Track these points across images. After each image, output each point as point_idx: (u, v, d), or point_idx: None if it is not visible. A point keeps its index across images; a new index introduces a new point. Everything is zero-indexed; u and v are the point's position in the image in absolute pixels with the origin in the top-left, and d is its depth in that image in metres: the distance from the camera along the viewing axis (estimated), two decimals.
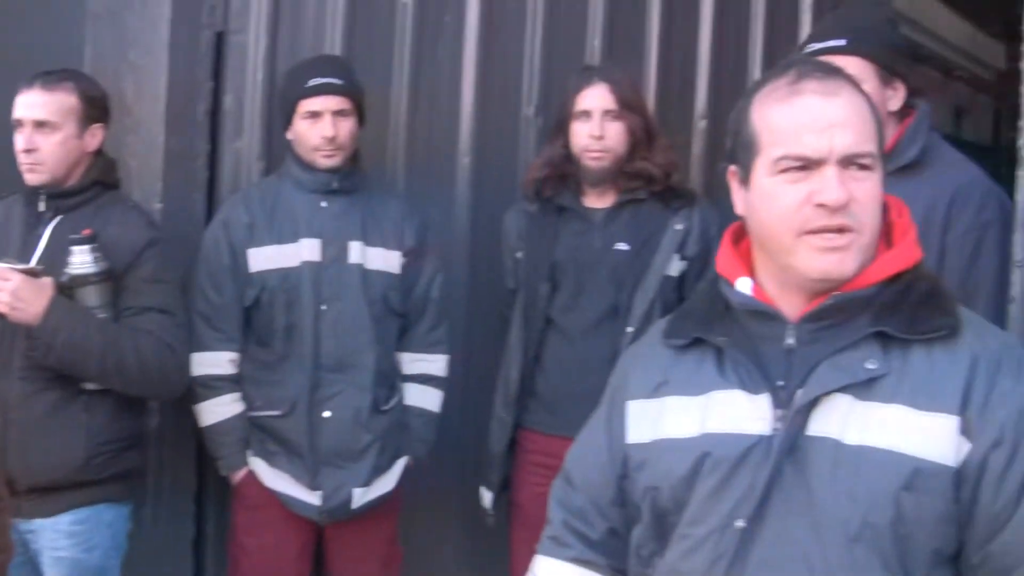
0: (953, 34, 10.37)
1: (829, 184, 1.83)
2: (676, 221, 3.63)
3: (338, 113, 3.64)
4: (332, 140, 3.63)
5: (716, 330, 1.99)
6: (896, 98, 3.06)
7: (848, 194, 1.84)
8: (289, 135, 3.73)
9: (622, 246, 3.62)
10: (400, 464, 3.79)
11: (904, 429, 1.82)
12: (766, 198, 1.90)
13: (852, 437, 1.84)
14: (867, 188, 1.87)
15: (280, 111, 3.80)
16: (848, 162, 1.86)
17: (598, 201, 3.68)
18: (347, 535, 3.78)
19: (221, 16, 4.03)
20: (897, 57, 3.10)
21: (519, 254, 3.77)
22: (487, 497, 3.82)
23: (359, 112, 3.73)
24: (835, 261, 1.86)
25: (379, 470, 3.71)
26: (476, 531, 4.08)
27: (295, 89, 3.68)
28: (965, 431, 1.82)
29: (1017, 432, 1.81)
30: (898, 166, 2.92)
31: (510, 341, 3.75)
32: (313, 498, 3.64)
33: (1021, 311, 2.68)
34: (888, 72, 3.04)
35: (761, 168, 1.91)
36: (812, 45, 3.09)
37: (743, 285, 1.98)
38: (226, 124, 4.06)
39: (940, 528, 1.83)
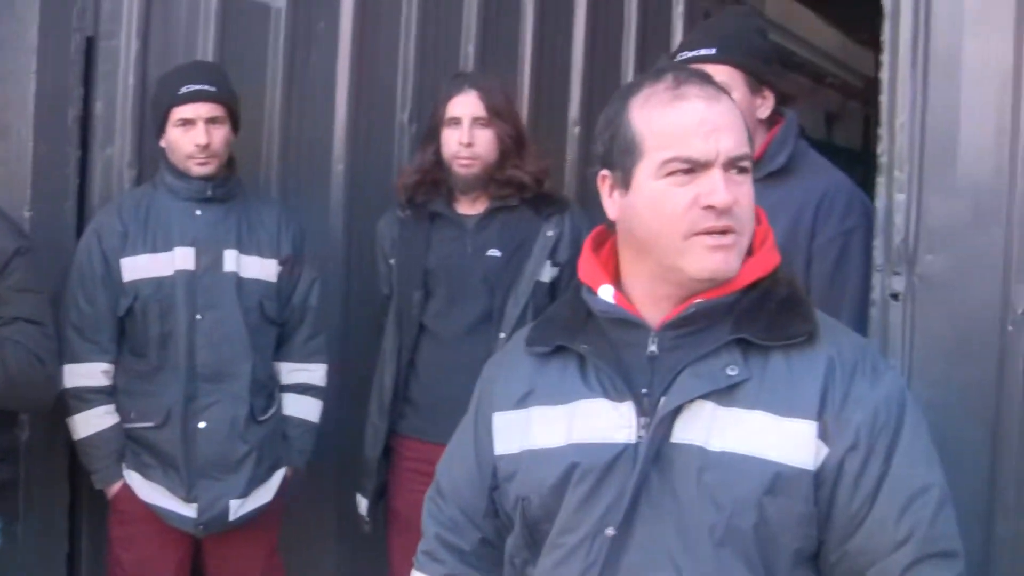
0: (824, 42, 10.58)
1: (717, 186, 1.86)
2: (548, 227, 3.66)
3: (211, 120, 3.61)
4: (205, 148, 3.60)
5: (579, 338, 2.00)
6: (765, 106, 3.12)
7: (733, 196, 1.87)
8: (162, 143, 3.69)
9: (494, 252, 3.65)
10: (278, 475, 3.76)
11: (765, 435, 1.86)
12: (653, 201, 1.91)
13: (716, 443, 1.87)
14: (746, 191, 1.91)
15: (152, 118, 3.75)
16: (731, 165, 1.89)
17: (470, 208, 3.71)
18: (226, 547, 3.73)
19: (91, 20, 3.94)
20: (766, 66, 3.16)
21: (392, 260, 3.78)
22: (363, 504, 3.81)
23: (233, 119, 3.70)
24: (721, 261, 1.89)
25: (256, 481, 3.67)
26: (356, 539, 4.06)
27: (167, 96, 3.64)
28: (823, 435, 1.86)
29: (871, 436, 1.86)
30: (766, 173, 2.97)
31: (384, 347, 3.75)
32: (189, 510, 3.59)
33: (881, 314, 2.75)
34: (757, 80, 3.10)
35: (645, 172, 1.91)
36: (683, 53, 3.13)
37: (605, 293, 1.99)
38: (97, 131, 3.98)
39: (801, 529, 1.87)
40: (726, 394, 1.88)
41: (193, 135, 3.59)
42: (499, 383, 2.11)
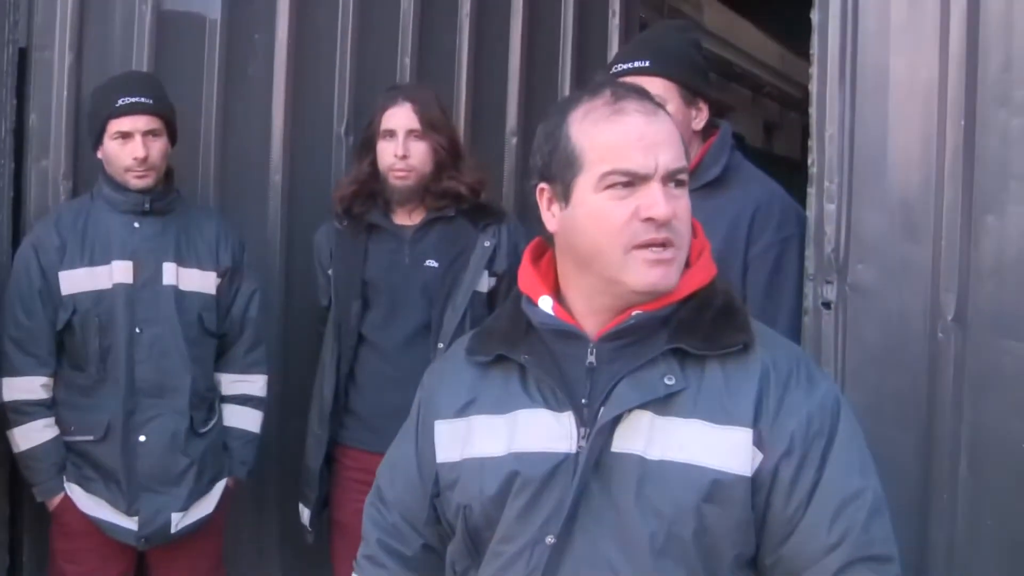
0: (763, 53, 10.67)
1: (657, 199, 1.87)
2: (485, 238, 3.68)
3: (149, 133, 3.59)
4: (143, 161, 3.57)
5: (519, 348, 2.01)
6: (700, 118, 3.15)
7: (672, 209, 1.89)
8: (99, 154, 3.66)
9: (431, 263, 3.66)
10: (220, 486, 3.74)
11: (703, 443, 1.88)
12: (593, 214, 1.92)
13: (655, 453, 1.88)
14: (684, 204, 1.93)
15: (89, 130, 3.71)
16: (669, 178, 1.90)
17: (407, 219, 3.72)
18: (170, 560, 3.72)
19: (24, 32, 3.91)
20: (700, 78, 3.19)
21: (330, 271, 3.78)
22: (305, 514, 3.80)
23: (170, 131, 3.68)
24: (661, 275, 1.90)
25: (198, 493, 3.66)
26: (300, 550, 4.06)
27: (104, 108, 3.62)
28: (758, 442, 1.88)
29: (805, 442, 1.89)
30: (702, 183, 3.00)
31: (323, 358, 3.76)
32: (130, 524, 3.58)
33: (813, 322, 2.79)
34: (691, 93, 3.12)
35: (585, 185, 1.93)
36: (618, 66, 3.15)
37: (545, 304, 2.00)
38: (31, 143, 3.95)
39: (740, 535, 1.89)
40: (664, 403, 1.90)
41: (131, 148, 3.57)
42: (441, 391, 2.12)
